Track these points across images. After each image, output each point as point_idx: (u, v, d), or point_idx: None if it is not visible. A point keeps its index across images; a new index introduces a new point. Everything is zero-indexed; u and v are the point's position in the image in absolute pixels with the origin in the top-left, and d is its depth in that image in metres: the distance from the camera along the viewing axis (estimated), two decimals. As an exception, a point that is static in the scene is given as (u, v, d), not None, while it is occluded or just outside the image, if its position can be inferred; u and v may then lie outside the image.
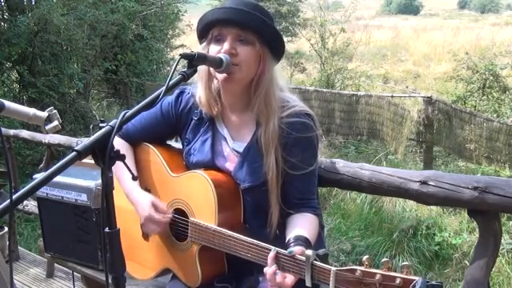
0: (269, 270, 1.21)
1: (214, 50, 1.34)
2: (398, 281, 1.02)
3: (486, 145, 6.45)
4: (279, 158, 1.38)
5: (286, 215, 1.41)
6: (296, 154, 1.39)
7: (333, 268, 1.12)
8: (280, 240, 1.32)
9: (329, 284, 1.12)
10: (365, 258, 1.08)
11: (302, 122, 1.39)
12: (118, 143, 1.54)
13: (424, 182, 1.48)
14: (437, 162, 7.31)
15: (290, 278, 1.19)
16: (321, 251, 1.17)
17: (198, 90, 1.46)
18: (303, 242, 1.26)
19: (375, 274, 1.05)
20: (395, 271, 1.04)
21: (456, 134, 6.74)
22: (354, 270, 1.08)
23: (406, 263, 1.04)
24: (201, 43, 1.41)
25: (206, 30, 1.38)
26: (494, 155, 6.41)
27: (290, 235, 1.31)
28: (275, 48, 1.39)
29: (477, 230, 1.64)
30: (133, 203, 1.48)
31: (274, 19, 1.45)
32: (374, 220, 5.14)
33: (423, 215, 5.08)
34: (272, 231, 1.39)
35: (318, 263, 1.15)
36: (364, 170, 1.62)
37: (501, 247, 2.28)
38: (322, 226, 1.54)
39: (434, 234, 4.82)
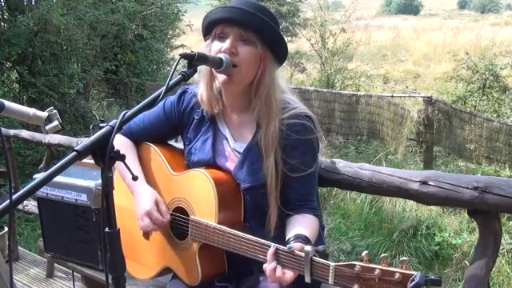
0: (268, 266, 1.21)
1: (216, 48, 1.35)
2: (397, 275, 1.02)
3: (486, 145, 6.44)
4: (279, 161, 1.38)
5: (285, 216, 1.41)
6: (296, 155, 1.39)
7: (332, 263, 1.12)
8: (279, 240, 1.32)
9: (328, 280, 1.13)
10: (364, 253, 1.09)
11: (302, 124, 1.39)
12: (122, 141, 1.55)
13: (424, 182, 1.48)
14: (437, 162, 7.30)
15: (289, 274, 1.20)
16: (320, 247, 1.18)
17: (200, 88, 1.47)
18: (303, 239, 1.27)
19: (374, 269, 1.05)
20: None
21: (456, 133, 6.73)
22: (353, 266, 1.08)
23: (405, 258, 1.04)
24: (205, 40, 1.42)
25: (209, 28, 1.39)
26: (494, 155, 6.40)
27: (290, 234, 1.31)
28: (277, 50, 1.39)
29: (477, 229, 1.64)
30: (135, 194, 1.48)
31: (274, 19, 1.44)
32: (373, 220, 5.14)
33: (423, 215, 5.08)
34: (271, 231, 1.39)
35: (317, 259, 1.15)
36: (364, 169, 1.62)
37: (501, 247, 2.28)
38: (322, 227, 1.54)
39: (434, 234, 4.81)
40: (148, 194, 1.45)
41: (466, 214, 3.27)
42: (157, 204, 1.43)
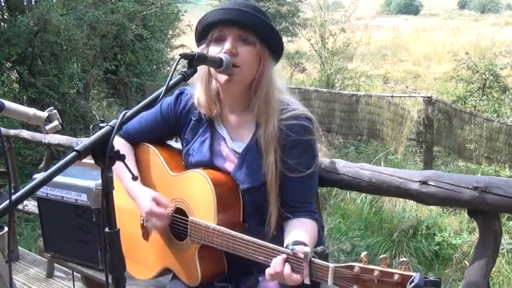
0: (277, 268, 1.19)
1: (215, 51, 1.34)
2: (396, 277, 1.02)
3: (486, 145, 6.44)
4: (278, 159, 1.38)
5: (284, 217, 1.40)
6: (294, 156, 1.39)
7: (331, 265, 1.12)
8: (278, 239, 1.32)
9: (327, 281, 1.13)
10: (363, 254, 1.08)
11: (302, 125, 1.39)
12: (119, 143, 1.55)
13: (424, 182, 1.48)
14: (437, 162, 7.31)
15: (296, 275, 1.18)
16: (319, 248, 1.18)
17: (196, 91, 1.46)
18: (302, 245, 1.26)
19: (373, 270, 1.05)
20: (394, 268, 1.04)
21: (456, 133, 6.73)
22: (352, 267, 1.08)
23: (404, 259, 1.04)
24: (199, 45, 1.41)
25: (205, 32, 1.38)
26: (493, 155, 6.40)
27: (288, 240, 1.30)
28: (274, 48, 1.40)
29: (477, 230, 1.64)
30: (134, 199, 1.48)
31: (274, 19, 1.45)
32: (373, 220, 5.15)
33: (423, 215, 5.08)
34: (271, 231, 1.39)
35: (316, 260, 1.15)
36: (364, 170, 1.62)
37: (501, 247, 2.28)
38: (321, 227, 1.54)
39: (434, 234, 4.82)
40: (144, 194, 1.45)
41: (466, 214, 3.27)
42: (155, 200, 1.43)
